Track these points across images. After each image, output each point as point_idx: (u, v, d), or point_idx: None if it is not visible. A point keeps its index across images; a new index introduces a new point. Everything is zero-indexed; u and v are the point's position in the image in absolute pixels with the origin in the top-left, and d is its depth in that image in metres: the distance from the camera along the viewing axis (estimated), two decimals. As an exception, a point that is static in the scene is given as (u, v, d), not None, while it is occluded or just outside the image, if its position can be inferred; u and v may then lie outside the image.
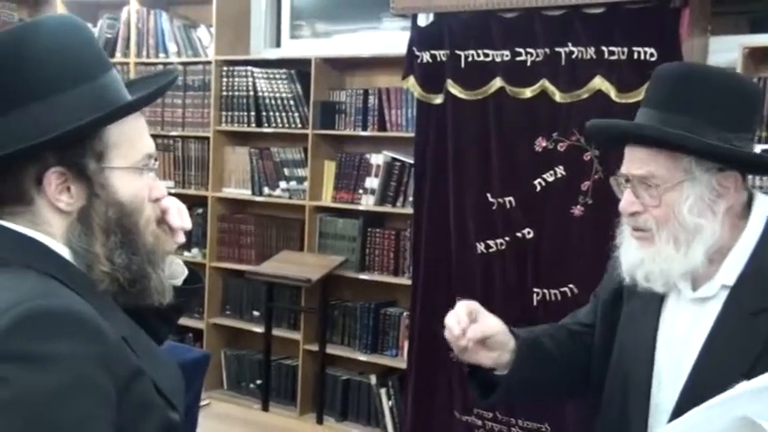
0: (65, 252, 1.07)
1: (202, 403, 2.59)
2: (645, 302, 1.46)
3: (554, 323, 1.69)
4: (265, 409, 4.16)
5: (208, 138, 4.44)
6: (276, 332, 4.20)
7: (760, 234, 1.36)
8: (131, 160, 1.10)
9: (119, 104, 1.09)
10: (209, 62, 4.42)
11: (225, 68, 4.37)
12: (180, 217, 1.20)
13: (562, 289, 3.19)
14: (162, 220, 1.18)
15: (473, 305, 1.49)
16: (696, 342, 1.37)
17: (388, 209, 3.96)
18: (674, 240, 1.34)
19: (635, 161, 1.37)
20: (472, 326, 1.45)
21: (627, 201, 1.38)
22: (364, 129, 4.01)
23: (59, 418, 0.92)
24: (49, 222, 1.07)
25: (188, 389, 2.10)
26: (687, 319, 1.41)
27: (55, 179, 1.05)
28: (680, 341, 1.41)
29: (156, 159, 1.17)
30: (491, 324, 1.49)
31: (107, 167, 1.07)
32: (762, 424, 1.08)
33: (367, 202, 4.00)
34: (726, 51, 3.19)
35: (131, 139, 1.11)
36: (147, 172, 1.13)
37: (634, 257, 1.40)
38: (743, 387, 1.12)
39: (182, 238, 1.21)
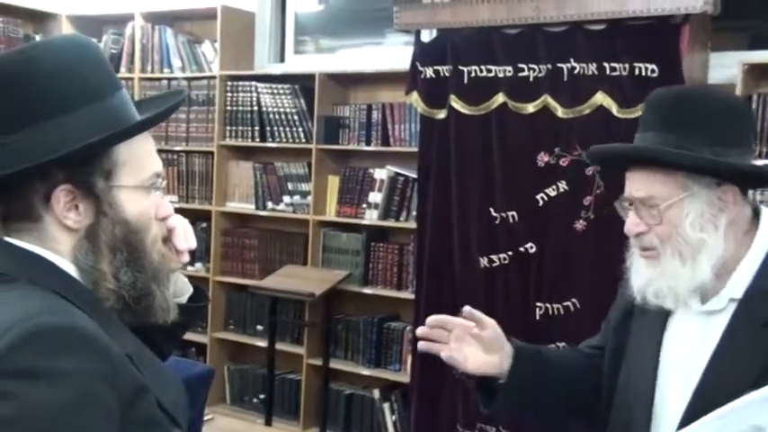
0: (71, 269, 1.08)
1: (206, 418, 2.60)
2: (651, 318, 1.49)
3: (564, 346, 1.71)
4: (268, 423, 4.16)
5: (212, 152, 4.47)
6: (280, 346, 4.21)
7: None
8: (139, 179, 1.12)
9: (128, 124, 1.10)
10: (213, 77, 4.45)
11: (229, 83, 4.40)
12: (185, 238, 1.22)
13: (565, 303, 3.20)
14: (168, 239, 1.19)
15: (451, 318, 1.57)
16: (704, 354, 1.39)
17: (391, 223, 3.98)
18: (680, 256, 1.38)
19: (635, 183, 1.42)
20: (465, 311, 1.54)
21: (631, 222, 1.43)
22: (368, 144, 4.03)
23: None
24: (57, 239, 1.08)
25: (192, 404, 2.11)
26: (695, 333, 1.43)
27: (63, 197, 1.06)
28: (687, 354, 1.43)
29: (163, 178, 1.18)
30: (482, 316, 1.55)
31: (115, 186, 1.09)
32: None
33: (370, 217, 4.01)
34: (725, 67, 3.21)
35: (139, 158, 1.12)
36: (154, 191, 1.14)
37: (643, 277, 1.44)
38: (753, 396, 1.13)
39: (186, 258, 1.23)
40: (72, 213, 1.07)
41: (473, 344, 1.55)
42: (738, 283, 1.38)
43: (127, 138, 1.09)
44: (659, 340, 1.48)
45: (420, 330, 1.54)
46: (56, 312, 1.00)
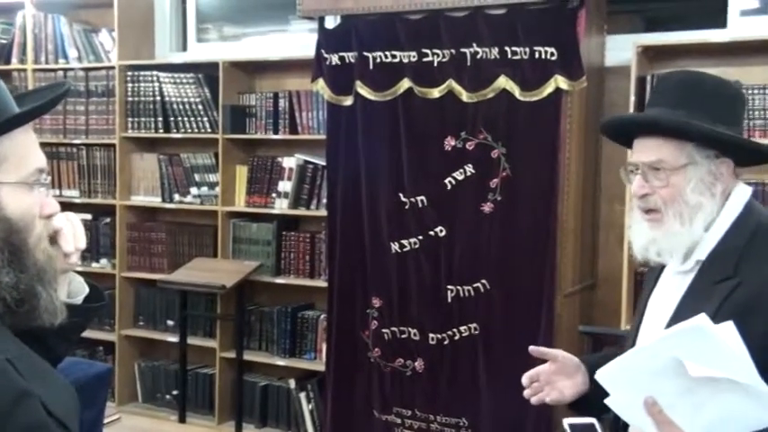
0: None
1: (112, 418, 2.53)
2: (648, 282, 1.70)
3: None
4: (182, 420, 4.08)
5: (113, 145, 4.32)
6: (192, 341, 4.13)
7: (735, 217, 1.54)
8: (21, 175, 1.07)
9: (5, 117, 1.05)
10: (112, 67, 4.30)
11: (129, 73, 4.26)
12: (73, 239, 1.17)
13: (475, 285, 3.25)
14: (55, 239, 1.14)
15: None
16: (671, 310, 1.55)
17: (302, 212, 3.95)
18: (680, 216, 1.54)
19: (645, 150, 1.57)
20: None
21: (638, 185, 1.58)
22: (275, 132, 3.98)
23: None
24: None
25: (92, 404, 2.04)
26: (669, 291, 1.60)
27: None
28: (662, 310, 1.59)
29: (48, 174, 1.13)
30: (546, 350, 1.72)
31: None
32: (684, 362, 1.25)
33: (281, 206, 3.97)
34: (621, 50, 3.31)
35: (21, 153, 1.07)
36: (37, 187, 1.09)
37: (645, 238, 1.59)
38: (675, 329, 1.28)
39: (75, 260, 1.18)
40: None
41: (561, 378, 1.70)
42: (705, 247, 1.54)
43: (3, 132, 1.03)
44: (648, 298, 1.67)
45: (526, 393, 1.71)
46: None
